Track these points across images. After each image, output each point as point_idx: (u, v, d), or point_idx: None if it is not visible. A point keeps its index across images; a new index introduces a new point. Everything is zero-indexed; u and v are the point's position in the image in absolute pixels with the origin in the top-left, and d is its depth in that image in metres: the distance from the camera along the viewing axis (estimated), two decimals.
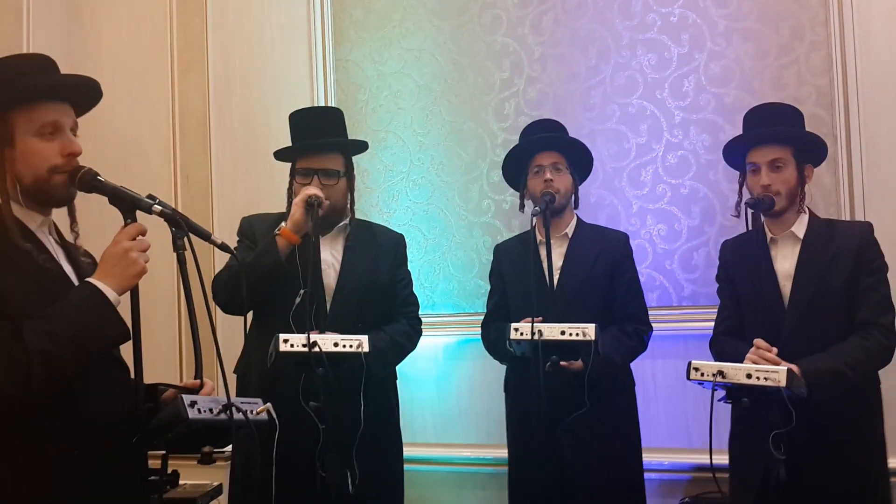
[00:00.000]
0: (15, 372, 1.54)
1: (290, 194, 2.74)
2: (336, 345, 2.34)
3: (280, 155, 2.81)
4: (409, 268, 2.96)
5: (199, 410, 1.54)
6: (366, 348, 2.38)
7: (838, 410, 2.36)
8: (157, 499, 1.62)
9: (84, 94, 1.85)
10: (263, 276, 2.52)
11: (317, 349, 2.29)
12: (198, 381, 1.72)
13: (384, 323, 2.78)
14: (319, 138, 2.72)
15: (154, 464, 1.65)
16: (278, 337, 2.31)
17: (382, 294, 2.80)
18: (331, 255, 2.74)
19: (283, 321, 2.53)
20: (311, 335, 2.31)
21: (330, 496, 2.35)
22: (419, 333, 2.90)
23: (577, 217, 3.01)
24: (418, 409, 3.77)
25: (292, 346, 2.30)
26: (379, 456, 2.66)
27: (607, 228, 3.10)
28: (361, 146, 2.93)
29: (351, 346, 2.36)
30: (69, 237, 1.86)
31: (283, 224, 2.60)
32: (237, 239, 2.77)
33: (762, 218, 2.63)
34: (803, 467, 2.28)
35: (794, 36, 3.33)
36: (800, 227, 2.59)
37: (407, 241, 3.77)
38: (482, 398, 3.57)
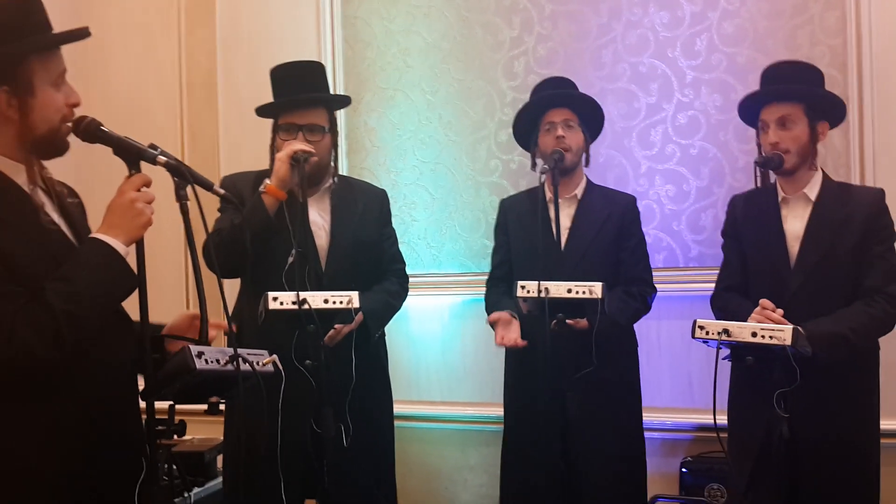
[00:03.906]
0: (45, 335, 1.55)
1: (273, 151, 2.70)
2: (326, 301, 2.34)
3: (262, 111, 2.76)
4: (393, 225, 2.98)
5: (206, 361, 1.55)
6: (356, 304, 2.37)
7: (837, 373, 2.37)
8: (165, 449, 1.64)
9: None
10: (255, 236, 2.47)
11: (306, 306, 2.29)
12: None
13: (375, 281, 2.79)
14: (302, 93, 2.68)
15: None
16: (267, 295, 2.30)
17: (372, 252, 2.80)
18: (319, 216, 2.72)
19: (274, 282, 2.50)
20: (300, 293, 2.30)
21: (326, 451, 2.38)
22: (406, 291, 2.92)
23: (587, 178, 2.99)
24: (424, 367, 3.79)
25: (282, 303, 2.29)
26: (371, 410, 2.70)
27: (616, 191, 3.09)
28: (344, 101, 2.92)
29: (341, 303, 2.36)
30: (41, 184, 1.79)
31: (266, 181, 2.56)
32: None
33: (771, 177, 2.61)
34: (800, 427, 2.30)
35: None
36: (812, 189, 2.57)
37: (414, 200, 3.80)
38: (487, 357, 3.59)
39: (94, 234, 1.67)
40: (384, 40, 3.85)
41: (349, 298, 2.37)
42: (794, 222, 2.57)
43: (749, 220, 2.65)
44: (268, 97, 2.78)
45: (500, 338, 2.70)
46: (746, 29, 3.35)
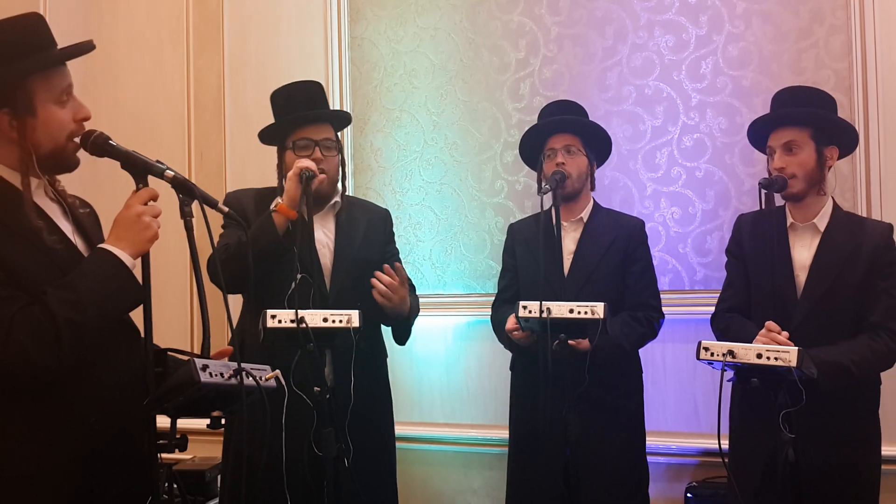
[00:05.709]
0: (44, 341, 1.54)
1: (280, 171, 2.69)
2: (325, 320, 2.30)
3: (268, 133, 2.74)
4: (398, 245, 2.99)
5: (210, 374, 1.54)
6: (356, 323, 2.33)
7: (840, 397, 2.36)
8: (167, 467, 1.63)
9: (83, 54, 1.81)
10: (262, 255, 2.43)
11: (304, 325, 2.25)
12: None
13: None
14: (313, 110, 2.68)
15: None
16: (266, 313, 2.27)
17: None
18: (324, 235, 2.71)
19: (278, 300, 2.47)
20: (298, 311, 2.26)
21: (326, 471, 2.36)
22: (417, 311, 2.88)
23: (594, 201, 2.99)
24: (427, 388, 3.77)
25: (280, 322, 2.26)
26: (372, 431, 2.67)
27: (624, 214, 3.07)
28: (346, 118, 2.94)
29: (340, 321, 2.31)
30: (51, 195, 1.80)
31: (278, 199, 2.55)
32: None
33: (777, 199, 2.60)
34: (802, 450, 2.28)
35: (814, 19, 3.28)
36: (822, 219, 2.55)
37: (419, 220, 3.80)
38: (490, 379, 3.58)
39: (101, 245, 1.67)
40: (391, 61, 3.87)
41: (349, 317, 2.33)
42: (802, 251, 2.56)
43: (755, 243, 2.63)
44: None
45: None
46: (752, 52, 3.36)
